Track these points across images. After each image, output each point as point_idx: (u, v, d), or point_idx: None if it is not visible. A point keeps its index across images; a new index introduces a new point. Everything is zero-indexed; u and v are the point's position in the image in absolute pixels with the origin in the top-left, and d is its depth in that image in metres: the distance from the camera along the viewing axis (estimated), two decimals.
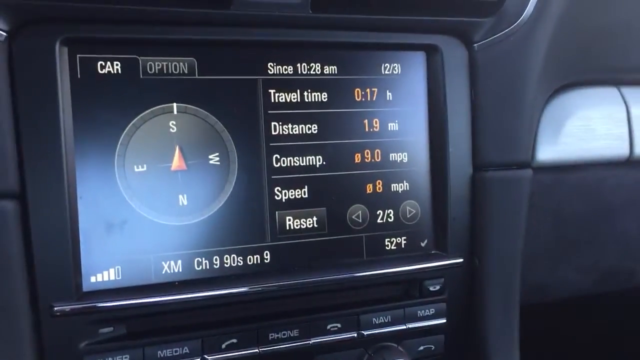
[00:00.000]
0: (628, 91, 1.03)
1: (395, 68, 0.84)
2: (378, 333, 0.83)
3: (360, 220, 0.83)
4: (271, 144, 0.78)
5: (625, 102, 1.01)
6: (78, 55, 0.70)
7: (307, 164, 0.80)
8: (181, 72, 0.74)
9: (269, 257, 0.78)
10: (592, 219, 1.05)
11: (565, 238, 1.04)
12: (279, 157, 0.78)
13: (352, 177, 0.82)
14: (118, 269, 0.72)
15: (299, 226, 0.80)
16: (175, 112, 0.74)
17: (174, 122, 0.74)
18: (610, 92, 1.03)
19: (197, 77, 0.75)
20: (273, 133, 0.78)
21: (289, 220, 0.79)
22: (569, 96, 0.99)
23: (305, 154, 0.79)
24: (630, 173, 1.04)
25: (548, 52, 0.89)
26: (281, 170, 0.78)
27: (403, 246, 0.85)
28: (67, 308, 0.68)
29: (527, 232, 0.91)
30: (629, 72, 1.05)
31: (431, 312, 0.86)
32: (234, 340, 0.76)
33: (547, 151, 0.94)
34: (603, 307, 1.62)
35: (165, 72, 0.74)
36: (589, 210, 1.04)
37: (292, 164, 0.79)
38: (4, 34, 0.65)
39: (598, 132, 0.98)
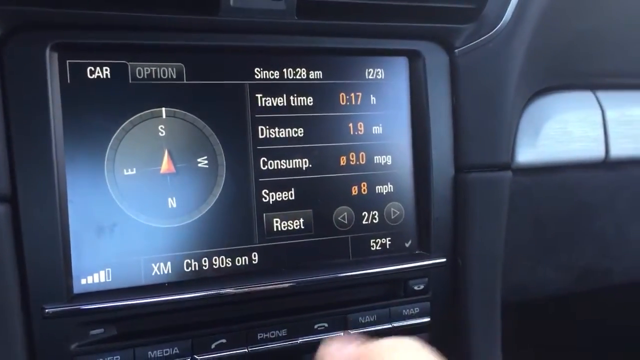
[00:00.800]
0: (603, 95, 1.06)
1: (379, 73, 0.86)
2: (364, 332, 0.84)
3: (346, 222, 0.84)
4: (258, 147, 0.79)
5: (600, 106, 1.04)
6: (68, 61, 0.71)
7: (294, 166, 0.81)
8: (169, 77, 0.76)
9: (257, 258, 0.80)
10: (570, 219, 1.07)
11: (544, 238, 1.06)
12: (266, 160, 0.80)
13: (338, 179, 0.84)
14: (108, 271, 0.73)
15: (286, 228, 0.81)
16: (164, 116, 0.75)
17: (163, 126, 0.75)
18: (586, 96, 1.05)
19: (185, 82, 0.76)
20: (260, 136, 0.80)
21: (277, 222, 0.81)
22: (546, 100, 1.02)
23: (291, 157, 0.81)
24: (606, 174, 1.07)
25: (526, 57, 0.92)
26: (268, 173, 0.80)
27: (388, 247, 0.87)
28: (58, 310, 0.68)
29: (508, 232, 0.93)
30: (604, 77, 1.08)
31: (416, 311, 0.88)
32: (223, 341, 0.77)
33: (526, 153, 0.97)
34: (584, 306, 1.65)
35: (154, 77, 0.75)
36: (566, 211, 1.06)
37: (279, 167, 0.80)
38: None
39: (575, 135, 1.01)
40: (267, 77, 0.80)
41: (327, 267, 0.82)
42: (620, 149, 1.04)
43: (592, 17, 1.02)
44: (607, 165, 1.05)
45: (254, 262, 0.80)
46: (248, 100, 0.79)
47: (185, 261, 0.76)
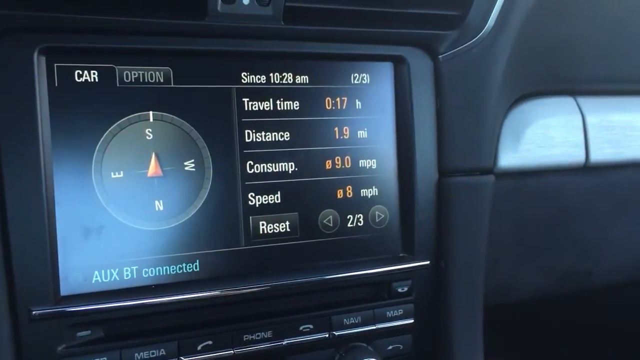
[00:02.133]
0: (583, 101, 1.08)
1: (364, 78, 0.87)
2: (349, 333, 0.85)
3: (331, 225, 0.85)
4: (245, 151, 0.80)
5: (581, 111, 1.06)
6: (55, 64, 0.71)
7: (280, 170, 0.82)
8: (157, 81, 0.76)
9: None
10: (551, 222, 1.09)
11: (526, 241, 1.08)
12: (252, 163, 0.81)
13: (323, 182, 0.85)
14: (95, 273, 0.73)
15: (272, 231, 0.82)
16: (151, 119, 0.76)
17: (150, 130, 0.76)
18: (567, 101, 1.07)
19: (172, 85, 0.77)
20: (247, 140, 0.80)
21: (263, 224, 0.81)
22: (528, 105, 1.03)
23: (278, 160, 0.82)
24: (586, 179, 1.09)
25: (508, 63, 0.93)
26: (255, 176, 0.81)
27: (372, 249, 0.88)
28: (45, 312, 0.69)
29: (490, 235, 0.95)
30: (584, 83, 1.10)
31: (399, 313, 0.89)
32: (209, 342, 0.78)
33: (509, 158, 0.98)
34: (565, 308, 1.67)
35: (141, 80, 0.75)
36: (548, 214, 1.08)
37: (266, 170, 0.81)
38: None
39: (556, 140, 1.02)
40: (254, 81, 0.81)
41: (312, 269, 0.83)
42: (600, 153, 1.06)
43: (574, 24, 1.04)
44: (588, 169, 1.07)
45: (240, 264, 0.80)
46: (235, 104, 0.80)
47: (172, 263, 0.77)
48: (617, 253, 1.19)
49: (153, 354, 0.75)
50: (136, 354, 0.74)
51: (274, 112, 0.82)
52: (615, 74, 1.13)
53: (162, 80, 0.76)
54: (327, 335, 0.84)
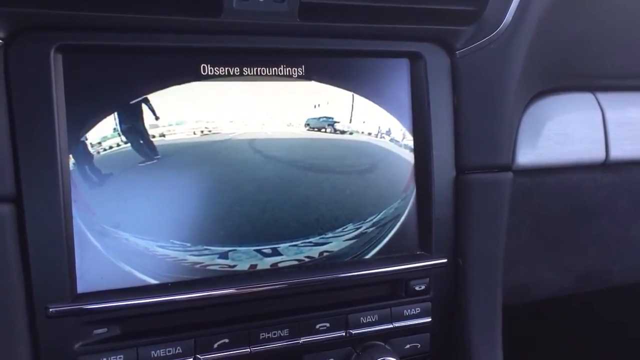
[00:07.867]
0: (603, 97, 1.07)
1: (380, 75, 0.86)
2: (366, 332, 0.85)
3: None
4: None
5: (600, 107, 1.05)
6: (72, 62, 0.71)
7: None
8: None
9: None
10: (571, 220, 1.08)
11: (545, 239, 1.06)
12: None
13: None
14: (112, 270, 0.73)
15: None
16: None
17: None
18: (586, 97, 1.06)
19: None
20: None
21: None
22: (547, 102, 1.02)
23: None
24: (606, 176, 1.07)
25: (527, 59, 0.92)
26: None
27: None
28: (62, 309, 0.69)
29: (508, 232, 0.94)
30: (604, 78, 1.09)
31: (417, 311, 0.88)
32: (226, 340, 0.78)
33: (527, 155, 0.97)
34: (584, 308, 1.65)
35: None
36: (567, 212, 1.07)
37: None
38: (0, 41, 0.67)
39: (575, 137, 1.01)
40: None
41: (328, 267, 0.82)
42: (621, 150, 1.05)
43: (592, 19, 1.03)
44: (607, 166, 1.06)
45: None
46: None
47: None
48: (638, 251, 1.17)
49: (170, 351, 0.75)
50: (153, 352, 0.74)
51: None
52: (635, 69, 1.11)
53: None
54: (343, 334, 0.84)
